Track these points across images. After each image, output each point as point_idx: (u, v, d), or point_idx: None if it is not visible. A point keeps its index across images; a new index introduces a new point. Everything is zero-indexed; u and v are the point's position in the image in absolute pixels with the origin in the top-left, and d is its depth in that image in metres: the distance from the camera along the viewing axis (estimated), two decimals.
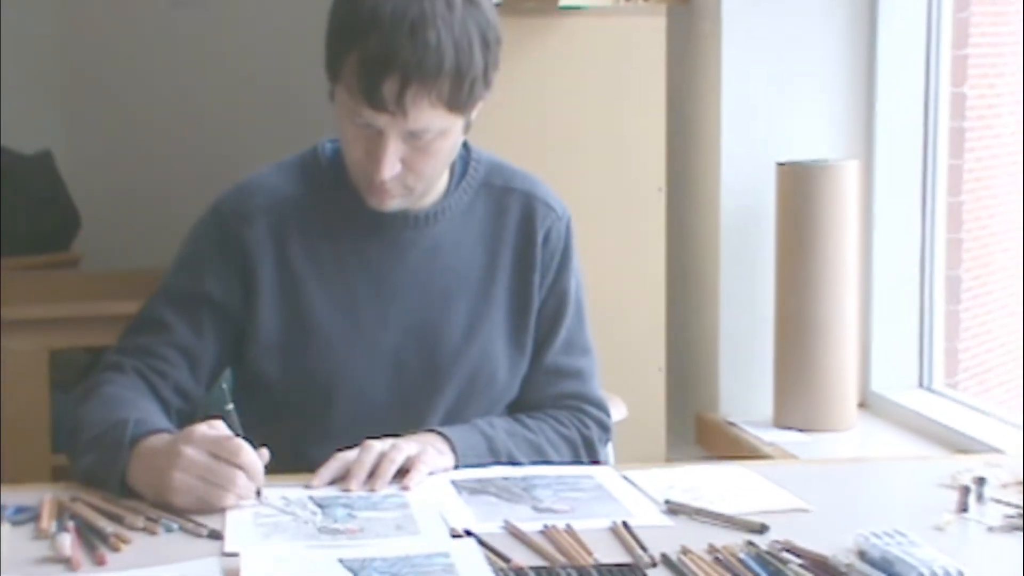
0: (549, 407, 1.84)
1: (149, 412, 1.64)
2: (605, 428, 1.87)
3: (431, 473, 1.64)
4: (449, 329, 1.79)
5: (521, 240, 1.82)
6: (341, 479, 1.60)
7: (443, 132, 1.66)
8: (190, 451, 1.49)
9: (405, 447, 1.63)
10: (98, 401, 1.67)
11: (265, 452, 1.54)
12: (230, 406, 1.56)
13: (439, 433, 1.71)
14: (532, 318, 1.83)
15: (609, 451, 1.93)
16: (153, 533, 1.42)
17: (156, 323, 1.76)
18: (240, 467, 1.49)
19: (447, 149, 1.70)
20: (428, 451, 1.65)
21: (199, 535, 1.42)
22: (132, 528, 1.43)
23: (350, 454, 1.63)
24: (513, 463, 1.73)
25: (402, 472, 1.61)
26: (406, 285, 1.78)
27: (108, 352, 1.78)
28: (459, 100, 1.64)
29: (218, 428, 1.53)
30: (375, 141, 1.65)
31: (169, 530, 1.43)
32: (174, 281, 1.78)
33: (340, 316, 1.76)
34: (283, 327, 1.75)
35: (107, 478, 1.54)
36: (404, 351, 1.78)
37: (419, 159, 1.67)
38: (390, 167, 1.65)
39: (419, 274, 1.78)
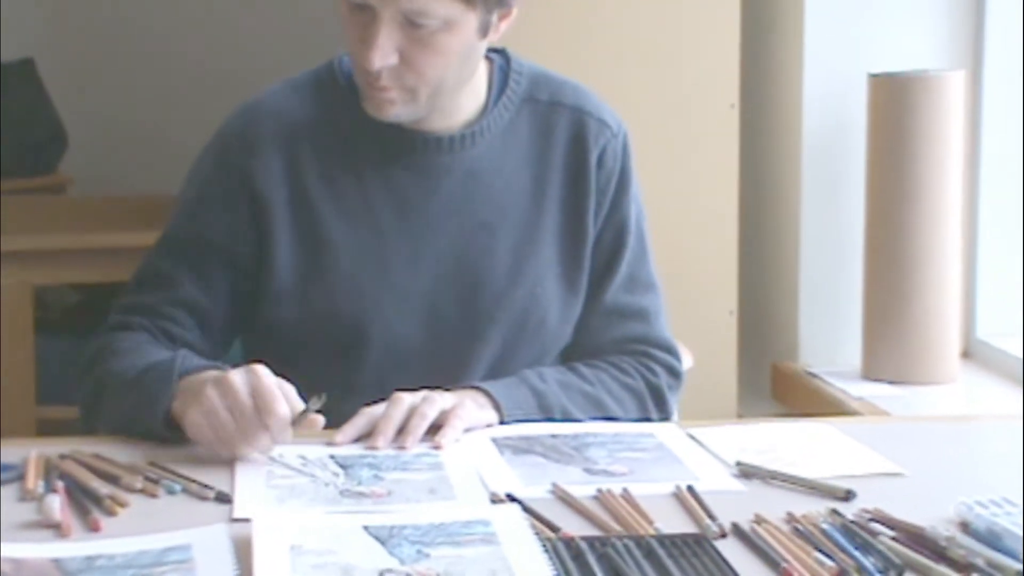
0: (609, 353, 1.84)
1: (189, 355, 1.68)
2: (675, 374, 1.87)
3: (468, 430, 1.65)
4: (491, 267, 1.79)
5: (572, 162, 1.82)
6: (366, 436, 1.62)
7: (448, 24, 1.65)
8: (230, 378, 1.53)
9: (439, 400, 1.64)
10: (121, 353, 1.70)
11: (318, 419, 1.55)
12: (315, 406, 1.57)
13: (480, 389, 1.72)
14: (587, 252, 1.83)
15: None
16: (153, 495, 1.44)
17: (158, 277, 1.78)
18: (266, 427, 1.52)
19: (456, 48, 1.68)
20: (465, 404, 1.66)
21: (205, 498, 1.43)
22: (130, 490, 1.45)
23: (377, 408, 1.64)
24: (568, 421, 1.74)
25: (435, 428, 1.62)
26: (440, 217, 1.78)
27: (111, 313, 1.79)
28: None
29: (259, 375, 1.54)
30: (369, 27, 1.65)
31: (171, 492, 1.45)
32: (175, 227, 1.80)
33: (366, 254, 1.77)
34: (301, 268, 1.76)
35: (151, 415, 1.58)
36: (440, 293, 1.78)
37: (419, 53, 1.66)
38: (381, 54, 1.64)
39: (455, 204, 1.78)
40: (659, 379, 1.84)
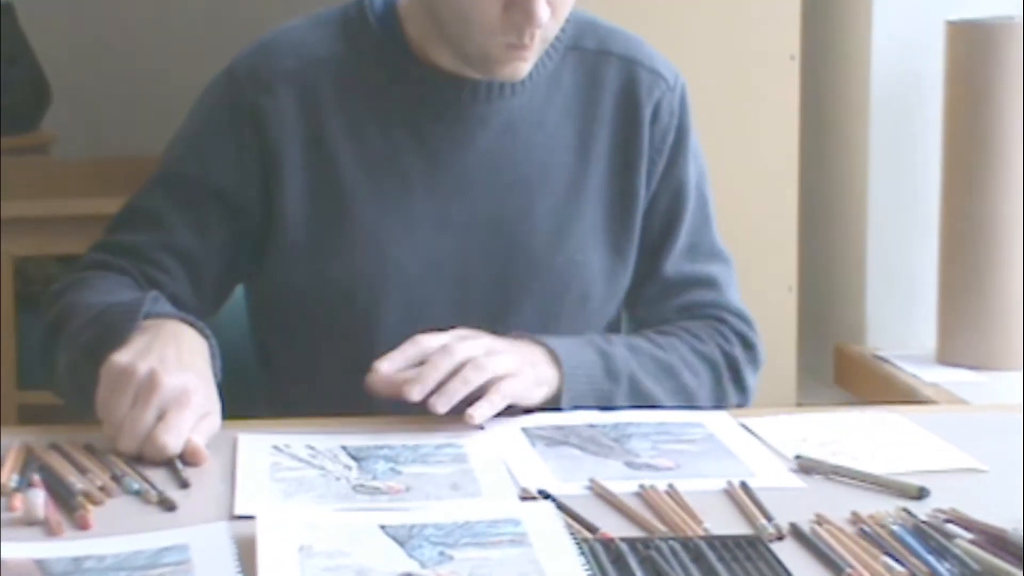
0: (678, 320, 1.84)
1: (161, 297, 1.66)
2: (750, 346, 1.86)
3: (510, 408, 1.63)
4: (528, 230, 1.79)
5: (622, 118, 1.82)
6: (395, 390, 1.59)
7: None
8: (139, 373, 1.50)
9: (490, 366, 1.61)
10: (91, 289, 1.69)
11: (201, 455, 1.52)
12: None
13: (540, 343, 1.70)
14: (637, 218, 1.83)
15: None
16: (108, 496, 1.42)
17: (150, 218, 1.77)
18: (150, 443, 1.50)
19: None
20: (521, 376, 1.63)
21: (149, 501, 1.42)
22: (91, 487, 1.44)
23: (430, 342, 1.62)
24: (636, 389, 1.73)
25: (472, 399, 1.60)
26: (474, 173, 1.78)
27: (89, 251, 1.79)
28: None
29: (188, 401, 1.52)
30: None
31: (129, 491, 1.44)
32: (174, 165, 1.80)
33: (388, 211, 1.77)
34: (314, 223, 1.77)
35: (104, 355, 1.55)
36: (469, 258, 1.78)
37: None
38: (545, 8, 1.67)
39: (491, 159, 1.79)
40: (734, 348, 1.83)
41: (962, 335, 2.79)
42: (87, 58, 4.79)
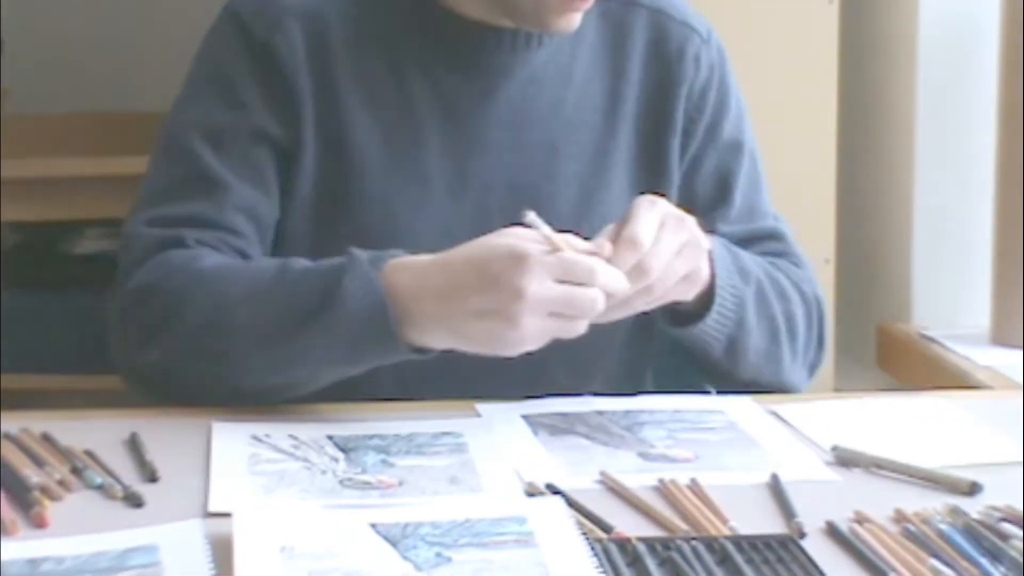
0: None
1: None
2: (821, 303, 1.90)
3: None
4: (553, 197, 1.80)
5: (653, 77, 1.84)
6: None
7: None
8: (536, 287, 1.49)
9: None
10: (229, 267, 1.68)
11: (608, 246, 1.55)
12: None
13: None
14: (670, 186, 1.83)
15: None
16: (68, 491, 1.43)
17: (205, 179, 1.75)
18: (600, 286, 1.51)
19: None
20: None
21: (114, 497, 1.42)
22: (48, 481, 1.44)
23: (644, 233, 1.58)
24: (761, 296, 1.76)
25: None
26: (494, 130, 1.80)
27: (138, 230, 1.74)
28: None
29: (534, 241, 1.52)
30: None
31: (91, 485, 1.44)
32: (209, 116, 1.78)
33: (400, 171, 1.78)
34: (321, 179, 1.78)
35: (358, 296, 1.55)
36: (488, 223, 1.78)
37: None
38: None
39: (513, 115, 1.80)
40: (817, 289, 1.87)
41: (1019, 313, 2.79)
42: (40, 7, 4.79)
